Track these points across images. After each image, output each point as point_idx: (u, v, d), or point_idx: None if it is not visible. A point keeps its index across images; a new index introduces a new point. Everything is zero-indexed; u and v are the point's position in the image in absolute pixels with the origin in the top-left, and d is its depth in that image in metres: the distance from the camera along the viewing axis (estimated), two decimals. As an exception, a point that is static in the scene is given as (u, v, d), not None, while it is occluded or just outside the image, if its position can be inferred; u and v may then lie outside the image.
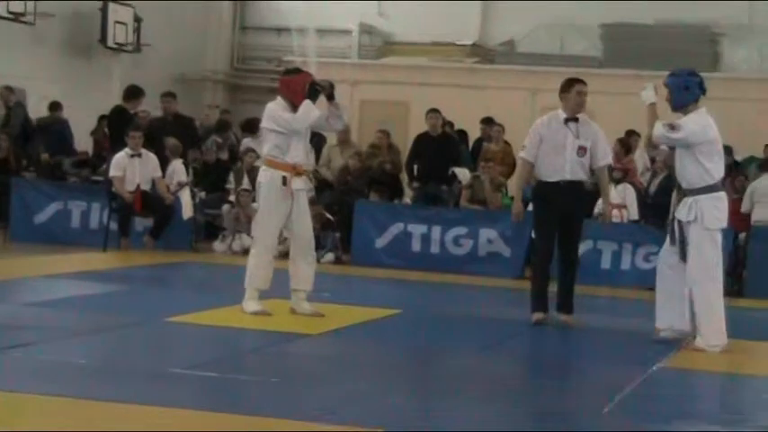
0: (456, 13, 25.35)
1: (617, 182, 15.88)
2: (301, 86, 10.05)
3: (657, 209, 15.04)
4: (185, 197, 16.05)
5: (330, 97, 10.16)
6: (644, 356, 9.06)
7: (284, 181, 9.96)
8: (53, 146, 19.46)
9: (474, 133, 19.29)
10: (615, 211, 15.61)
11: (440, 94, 20.75)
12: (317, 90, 10.05)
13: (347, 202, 16.35)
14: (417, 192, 16.92)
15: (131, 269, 13.65)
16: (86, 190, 16.87)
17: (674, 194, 10.14)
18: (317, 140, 16.64)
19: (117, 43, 22.98)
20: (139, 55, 23.74)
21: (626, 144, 16.98)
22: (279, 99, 10.18)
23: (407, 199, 17.62)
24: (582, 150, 10.65)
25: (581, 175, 10.77)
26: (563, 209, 10.64)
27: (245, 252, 15.72)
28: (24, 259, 14.21)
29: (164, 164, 16.08)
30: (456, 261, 15.36)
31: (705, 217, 9.52)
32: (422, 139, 16.93)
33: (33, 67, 21.66)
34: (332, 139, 18.05)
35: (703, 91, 9.74)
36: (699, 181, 9.59)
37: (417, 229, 15.56)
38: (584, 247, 14.67)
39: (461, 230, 15.47)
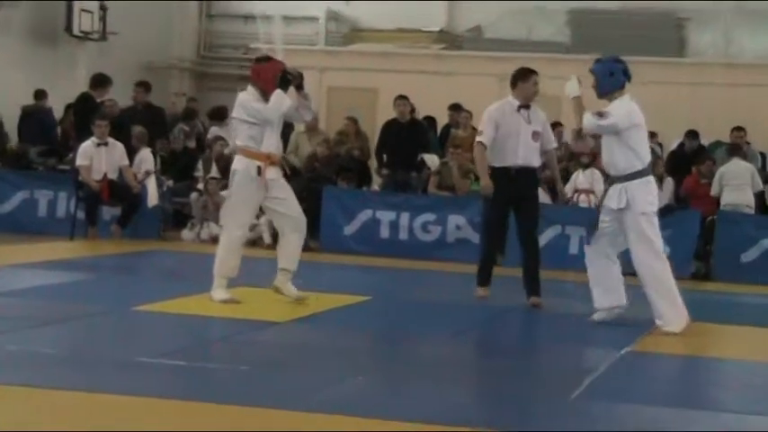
0: (423, -1, 25.36)
1: (585, 167, 15.95)
2: (272, 75, 10.01)
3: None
4: (151, 185, 15.99)
5: (299, 87, 10.13)
6: (612, 341, 9.09)
7: (258, 171, 9.93)
8: (35, 134, 19.45)
9: (442, 119, 19.31)
10: (583, 196, 15.69)
11: (407, 81, 20.75)
12: (287, 79, 10.01)
13: (315, 189, 16.31)
14: (386, 178, 16.91)
15: (99, 258, 13.59)
16: (53, 179, 16.77)
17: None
18: (284, 128, 16.60)
19: (83, 31, 22.85)
20: (105, 43, 23.62)
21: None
22: (250, 88, 10.12)
23: (376, 186, 17.61)
24: (536, 135, 10.96)
25: (533, 161, 11.04)
26: (515, 193, 10.92)
27: (214, 240, 15.69)
28: (-9, 249, 14.12)
29: (131, 153, 16.01)
30: (425, 247, 15.37)
31: (638, 202, 9.58)
32: (390, 126, 16.91)
33: (-2, 55, 21.52)
34: (300, 126, 18.01)
35: (628, 77, 9.82)
36: (629, 167, 9.67)
37: (386, 216, 15.56)
38: (552, 231, 14.79)
39: (430, 217, 15.48)
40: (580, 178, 15.92)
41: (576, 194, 15.84)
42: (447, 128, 18.73)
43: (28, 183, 16.32)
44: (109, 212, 15.75)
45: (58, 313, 9.14)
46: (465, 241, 15.26)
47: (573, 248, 14.88)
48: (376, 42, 24.67)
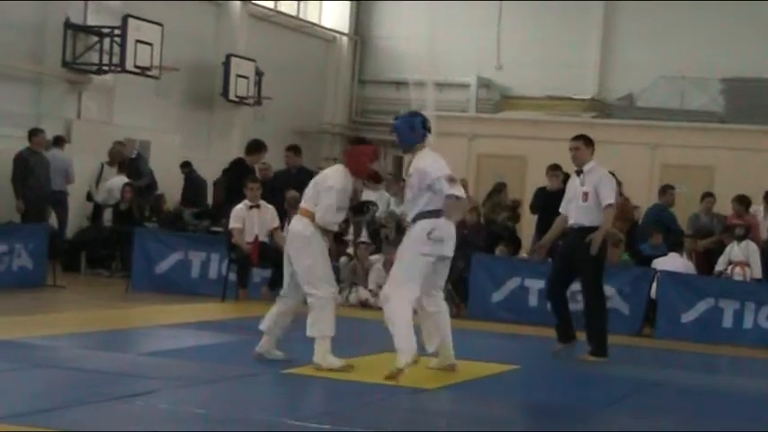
0: (573, 66, 25.36)
1: (739, 239, 15.63)
2: (364, 160, 10.02)
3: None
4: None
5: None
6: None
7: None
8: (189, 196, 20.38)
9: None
10: (738, 269, 15.36)
11: (557, 149, 20.60)
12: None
13: (464, 256, 16.25)
14: (536, 246, 16.75)
15: (249, 320, 13.68)
16: (206, 240, 17.06)
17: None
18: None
19: (238, 96, 23.38)
20: (259, 108, 24.13)
21: (745, 200, 16.75)
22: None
23: (524, 253, 17.51)
24: (585, 195, 11.52)
25: (583, 221, 11.56)
26: (568, 252, 11.77)
27: (362, 304, 15.81)
28: (145, 309, 14.43)
29: (283, 216, 16.22)
30: (573, 316, 15.13)
31: None
32: (542, 193, 16.80)
33: (157, 118, 22.16)
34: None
35: (428, 130, 9.89)
36: None
37: (534, 284, 15.41)
38: (704, 305, 14.48)
39: (578, 286, 15.25)
40: (735, 251, 15.60)
41: (730, 267, 15.52)
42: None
43: (182, 244, 16.61)
44: (259, 274, 15.94)
45: (208, 374, 9.29)
46: (614, 311, 14.97)
47: (726, 322, 14.54)
48: (526, 110, 24.70)
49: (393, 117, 10.29)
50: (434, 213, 9.61)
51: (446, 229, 9.68)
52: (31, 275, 15.82)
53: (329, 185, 9.87)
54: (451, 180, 9.60)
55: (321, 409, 8.08)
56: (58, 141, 18.83)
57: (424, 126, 9.85)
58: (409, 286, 9.52)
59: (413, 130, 9.81)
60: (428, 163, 9.70)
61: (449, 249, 9.75)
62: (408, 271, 9.59)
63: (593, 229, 11.49)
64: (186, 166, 20.86)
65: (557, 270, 12.01)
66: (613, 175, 17.92)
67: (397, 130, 9.90)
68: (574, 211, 11.69)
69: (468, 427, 7.92)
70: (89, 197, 19.38)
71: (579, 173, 11.78)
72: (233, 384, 9.03)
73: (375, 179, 10.11)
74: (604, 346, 11.68)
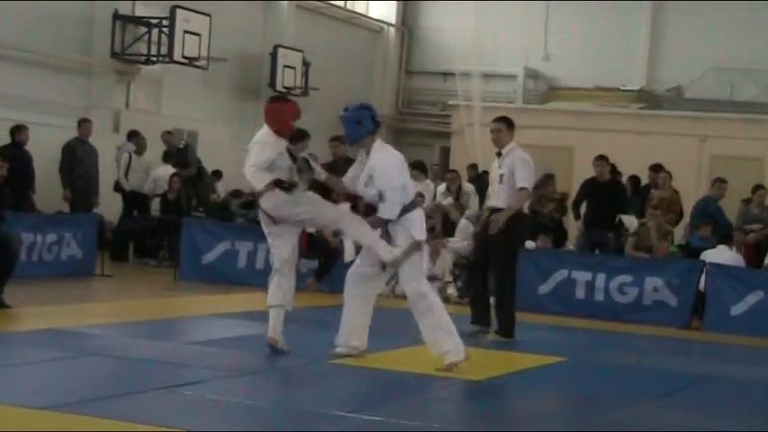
0: (622, 57, 25.24)
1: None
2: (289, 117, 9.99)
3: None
4: (348, 240, 16.10)
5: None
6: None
7: None
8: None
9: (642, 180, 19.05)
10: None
11: (605, 140, 20.60)
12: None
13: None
14: (583, 238, 16.68)
15: (295, 310, 13.65)
16: (253, 230, 17.04)
17: None
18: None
19: (285, 87, 23.42)
20: (306, 98, 24.14)
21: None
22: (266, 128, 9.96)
23: (571, 245, 17.43)
24: (501, 177, 11.54)
25: (498, 203, 11.60)
26: (482, 234, 11.90)
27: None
28: (192, 298, 14.50)
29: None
30: (620, 309, 15.09)
31: None
32: (590, 185, 16.72)
33: (205, 109, 22.24)
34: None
35: (377, 124, 9.73)
36: None
37: (581, 276, 15.35)
38: (754, 297, 14.36)
39: (626, 278, 15.20)
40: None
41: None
42: (647, 188, 18.44)
43: (229, 234, 16.66)
44: (306, 265, 15.93)
45: (256, 364, 9.33)
46: (662, 304, 14.95)
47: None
48: (574, 101, 24.58)
49: (343, 108, 10.02)
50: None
51: None
52: (79, 264, 15.94)
53: (252, 145, 9.92)
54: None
55: (370, 400, 8.08)
56: (132, 136, 19.11)
57: (374, 120, 9.71)
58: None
59: (358, 124, 9.68)
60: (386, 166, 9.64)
61: None
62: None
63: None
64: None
65: (475, 250, 12.30)
66: (660, 167, 17.85)
67: (343, 123, 9.82)
68: (493, 193, 11.81)
69: (517, 418, 7.89)
70: (116, 187, 19.38)
71: (499, 155, 11.70)
72: (281, 375, 9.06)
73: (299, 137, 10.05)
74: (512, 327, 11.84)
